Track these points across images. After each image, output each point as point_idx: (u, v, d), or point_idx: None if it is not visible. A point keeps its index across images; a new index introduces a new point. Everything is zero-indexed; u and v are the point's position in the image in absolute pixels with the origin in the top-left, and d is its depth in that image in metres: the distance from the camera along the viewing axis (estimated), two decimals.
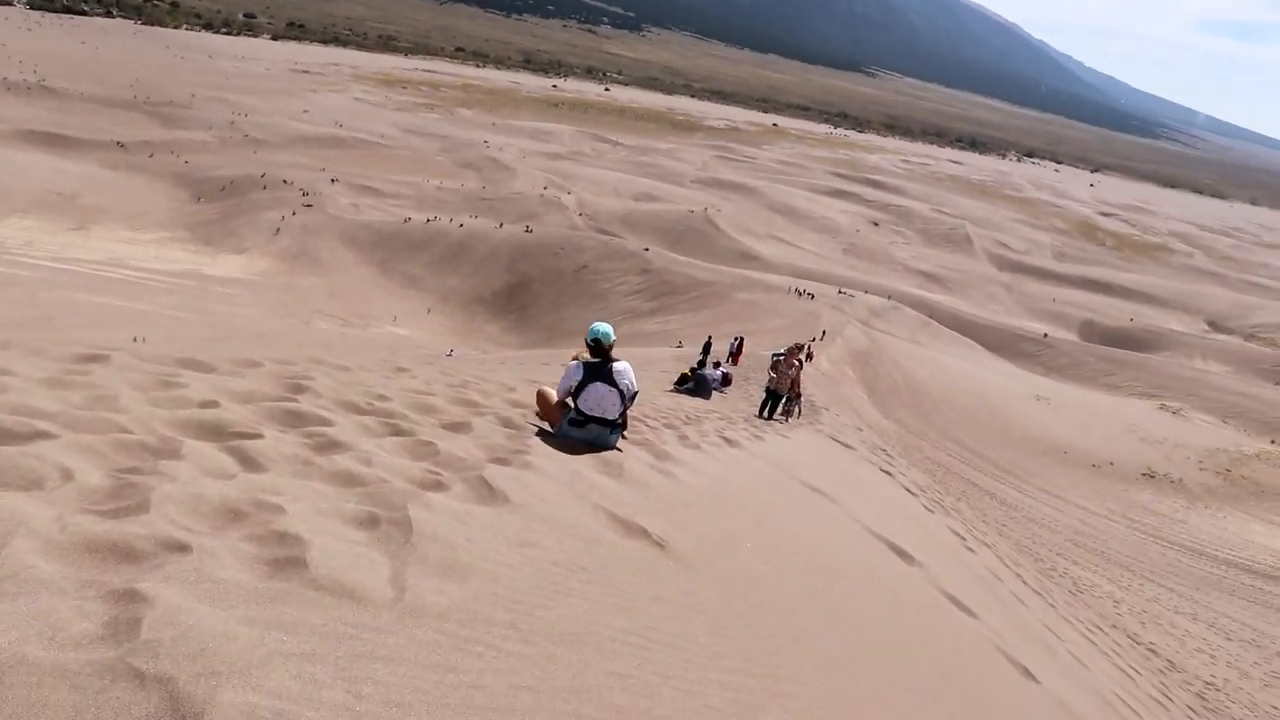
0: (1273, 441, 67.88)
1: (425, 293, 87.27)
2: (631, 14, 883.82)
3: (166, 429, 4.49)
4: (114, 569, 2.94)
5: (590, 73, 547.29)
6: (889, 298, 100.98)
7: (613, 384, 7.25)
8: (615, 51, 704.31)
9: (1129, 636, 19.56)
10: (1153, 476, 53.83)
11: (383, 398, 6.86)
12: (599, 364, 7.32)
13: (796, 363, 20.22)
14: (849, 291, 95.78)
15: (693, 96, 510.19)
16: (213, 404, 5.09)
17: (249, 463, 4.37)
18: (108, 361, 5.66)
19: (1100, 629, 17.59)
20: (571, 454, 6.64)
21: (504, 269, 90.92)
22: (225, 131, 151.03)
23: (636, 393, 7.59)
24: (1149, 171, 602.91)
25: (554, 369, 17.04)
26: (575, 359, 7.52)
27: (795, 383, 20.40)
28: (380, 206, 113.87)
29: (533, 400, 8.36)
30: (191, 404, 5.03)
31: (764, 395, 20.39)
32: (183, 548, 3.13)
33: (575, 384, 7.23)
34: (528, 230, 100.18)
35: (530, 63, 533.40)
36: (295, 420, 5.43)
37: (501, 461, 5.68)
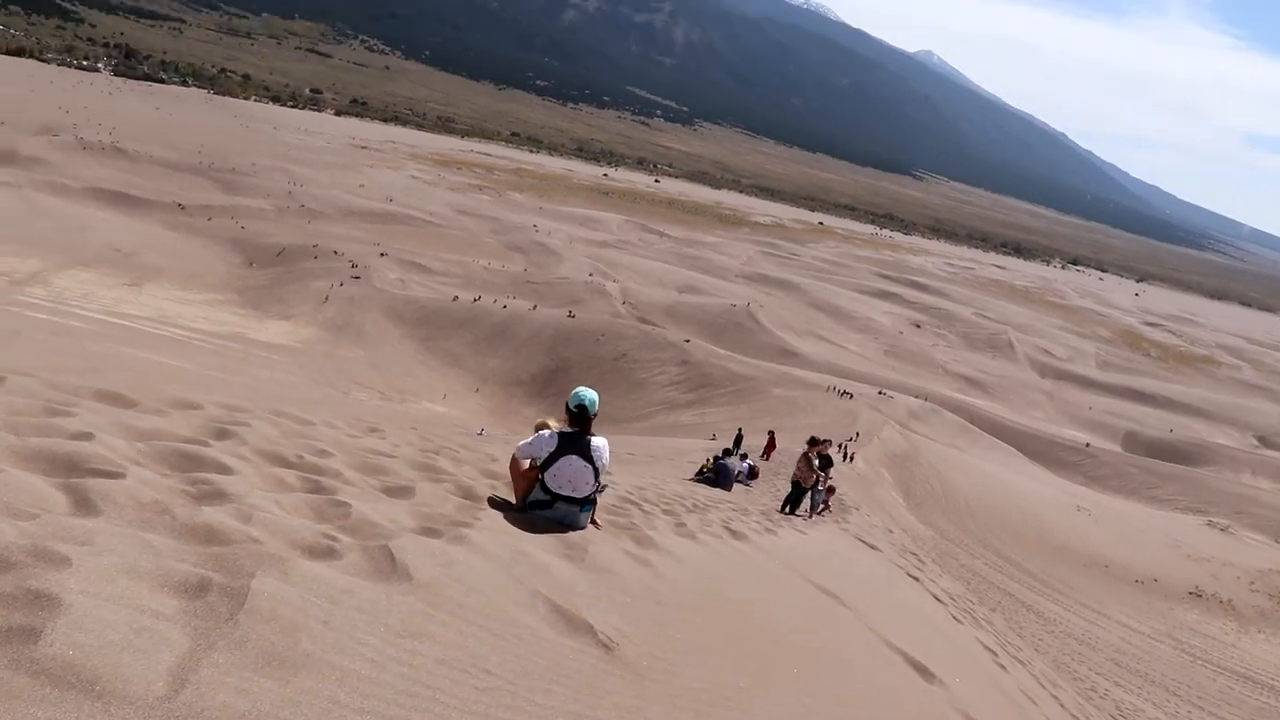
0: None
1: (466, 371, 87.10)
2: (685, 109, 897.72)
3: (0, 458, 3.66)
4: None
5: (641, 163, 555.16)
6: (927, 400, 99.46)
7: (589, 460, 6.34)
8: (667, 144, 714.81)
9: None
10: (1200, 596, 51.42)
11: (325, 453, 5.95)
12: (576, 434, 6.41)
13: (817, 456, 19.28)
14: (888, 392, 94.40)
15: (741, 192, 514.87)
16: (86, 436, 4.24)
17: (81, 504, 3.51)
18: (1, 384, 4.90)
19: None
20: (530, 531, 5.69)
21: (544, 352, 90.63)
22: (282, 200, 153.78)
23: (605, 479, 6.67)
24: (1195, 283, 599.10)
25: None
26: (543, 427, 6.66)
27: (821, 478, 19.47)
28: (427, 283, 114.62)
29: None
30: (62, 434, 4.21)
31: (791, 489, 19.45)
32: None
33: (545, 455, 6.31)
34: (570, 315, 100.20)
35: (583, 151, 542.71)
36: (187, 464, 4.54)
37: (430, 532, 4.72)
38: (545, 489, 6.28)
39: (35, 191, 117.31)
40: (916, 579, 17.42)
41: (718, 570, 7.40)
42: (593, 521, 6.62)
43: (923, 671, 8.39)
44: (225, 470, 4.64)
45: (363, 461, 6.24)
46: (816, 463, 19.06)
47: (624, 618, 4.72)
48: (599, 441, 6.47)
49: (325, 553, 3.82)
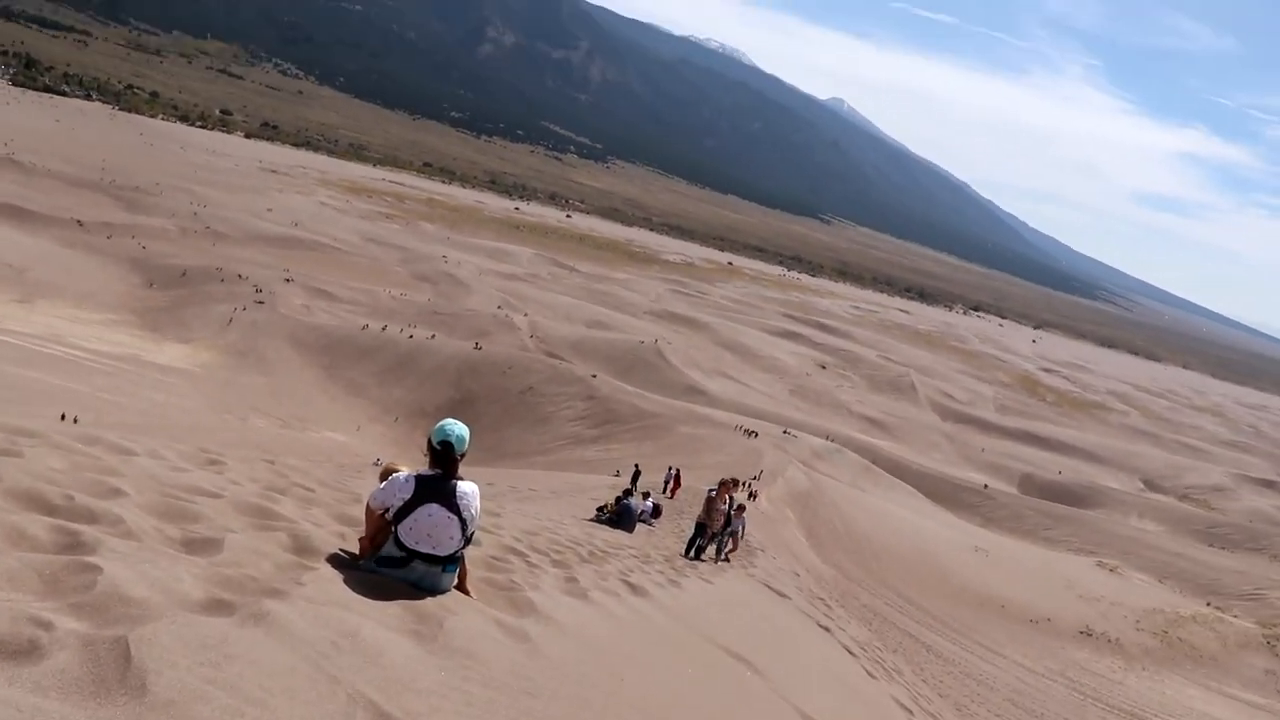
0: (1208, 604, 67.56)
1: (369, 401, 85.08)
2: (599, 145, 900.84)
3: None
4: None
5: (554, 198, 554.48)
6: (831, 440, 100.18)
7: (453, 509, 5.10)
8: (580, 180, 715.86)
9: None
10: (1090, 635, 53.16)
11: (117, 493, 4.65)
12: (439, 478, 5.17)
13: (729, 499, 18.40)
14: (793, 432, 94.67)
15: (652, 230, 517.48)
16: None
17: None
18: None
19: None
20: (372, 598, 4.45)
21: (450, 384, 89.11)
22: (187, 221, 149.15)
23: (474, 531, 5.39)
24: (1088, 330, 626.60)
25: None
26: (394, 470, 5.37)
27: (729, 520, 18.60)
28: (333, 310, 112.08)
29: None
30: None
31: (693, 531, 18.48)
32: None
33: (401, 504, 5.06)
34: (477, 347, 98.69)
35: (495, 184, 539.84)
36: None
37: (218, 608, 3.41)
38: (399, 544, 5.05)
39: None
40: (827, 629, 16.63)
41: (611, 641, 6.20)
42: (459, 586, 5.43)
43: None
44: None
45: (169, 504, 4.85)
46: (725, 506, 18.17)
47: None
48: (467, 487, 5.21)
49: (20, 651, 2.50)
